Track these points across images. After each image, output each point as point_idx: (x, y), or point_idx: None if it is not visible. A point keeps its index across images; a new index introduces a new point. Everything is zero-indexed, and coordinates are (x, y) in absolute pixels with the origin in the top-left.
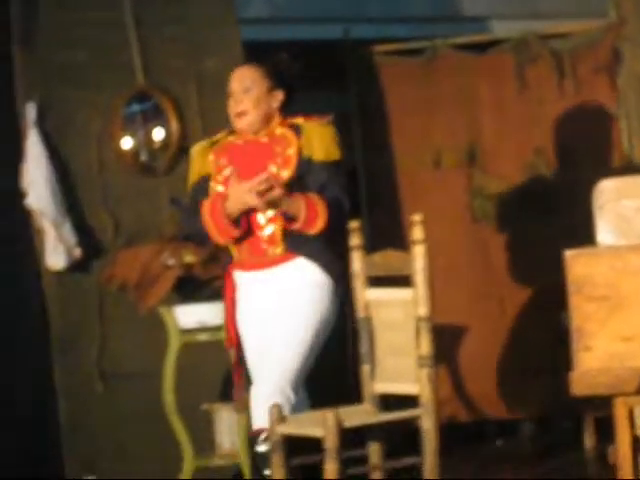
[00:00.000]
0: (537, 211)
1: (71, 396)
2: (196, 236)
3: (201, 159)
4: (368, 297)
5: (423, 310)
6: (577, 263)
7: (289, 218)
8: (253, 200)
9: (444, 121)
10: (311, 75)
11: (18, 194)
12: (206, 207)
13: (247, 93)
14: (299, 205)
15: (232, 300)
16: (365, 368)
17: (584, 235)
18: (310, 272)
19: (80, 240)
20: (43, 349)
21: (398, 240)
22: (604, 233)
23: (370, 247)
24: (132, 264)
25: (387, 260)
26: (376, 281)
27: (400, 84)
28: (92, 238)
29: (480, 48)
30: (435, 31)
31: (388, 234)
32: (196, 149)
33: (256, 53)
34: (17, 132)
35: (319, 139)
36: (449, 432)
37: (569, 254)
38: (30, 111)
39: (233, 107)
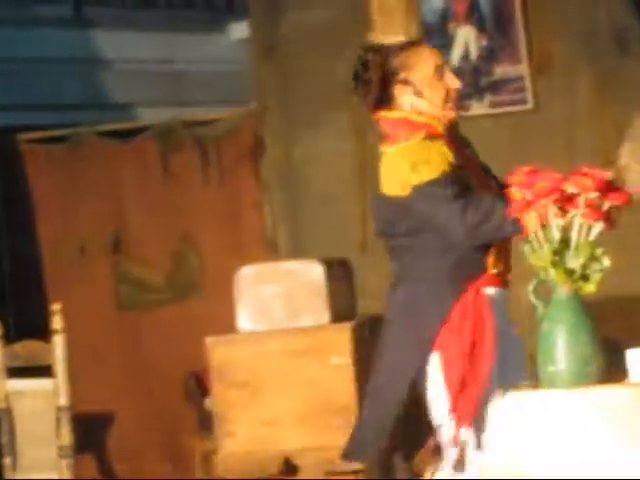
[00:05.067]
0: (180, 296)
1: None
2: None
3: (441, 147)
4: (8, 388)
5: (63, 400)
6: (218, 349)
7: None
8: None
9: (90, 208)
10: None
11: None
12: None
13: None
14: None
15: (492, 324)
16: (6, 460)
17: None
18: None
19: None
20: None
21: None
22: (244, 319)
23: (17, 337)
24: None
25: (28, 350)
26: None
27: (46, 172)
28: None
29: (128, 135)
30: (82, 118)
31: (34, 324)
32: (420, 138)
33: None
34: None
35: None
36: None
37: (209, 340)
38: None
39: (454, 82)
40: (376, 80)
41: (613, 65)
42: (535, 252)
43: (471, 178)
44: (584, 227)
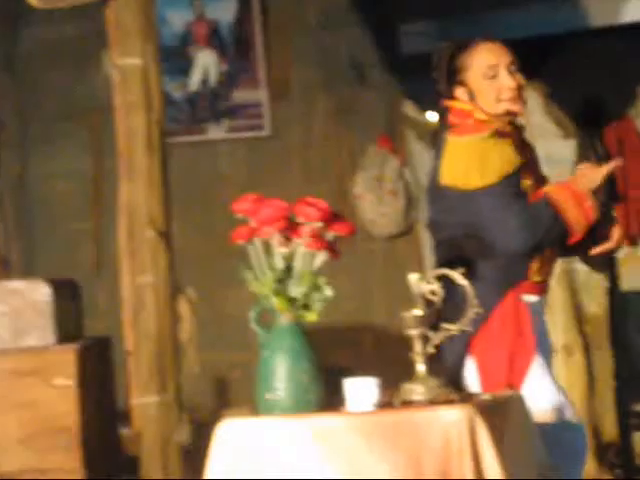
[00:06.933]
0: None
1: None
2: (549, 235)
3: (507, 147)
4: None
5: None
6: None
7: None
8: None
9: None
10: None
11: None
12: (562, 194)
13: (516, 71)
14: None
15: (532, 334)
16: None
17: None
18: None
19: None
20: None
21: None
22: None
23: None
24: None
25: None
26: None
27: None
28: None
29: None
30: None
31: None
32: (489, 135)
33: None
34: None
35: None
36: None
37: None
38: None
39: (507, 81)
40: (442, 77)
41: (350, 94)
42: (257, 279)
43: (527, 184)
44: (307, 256)
